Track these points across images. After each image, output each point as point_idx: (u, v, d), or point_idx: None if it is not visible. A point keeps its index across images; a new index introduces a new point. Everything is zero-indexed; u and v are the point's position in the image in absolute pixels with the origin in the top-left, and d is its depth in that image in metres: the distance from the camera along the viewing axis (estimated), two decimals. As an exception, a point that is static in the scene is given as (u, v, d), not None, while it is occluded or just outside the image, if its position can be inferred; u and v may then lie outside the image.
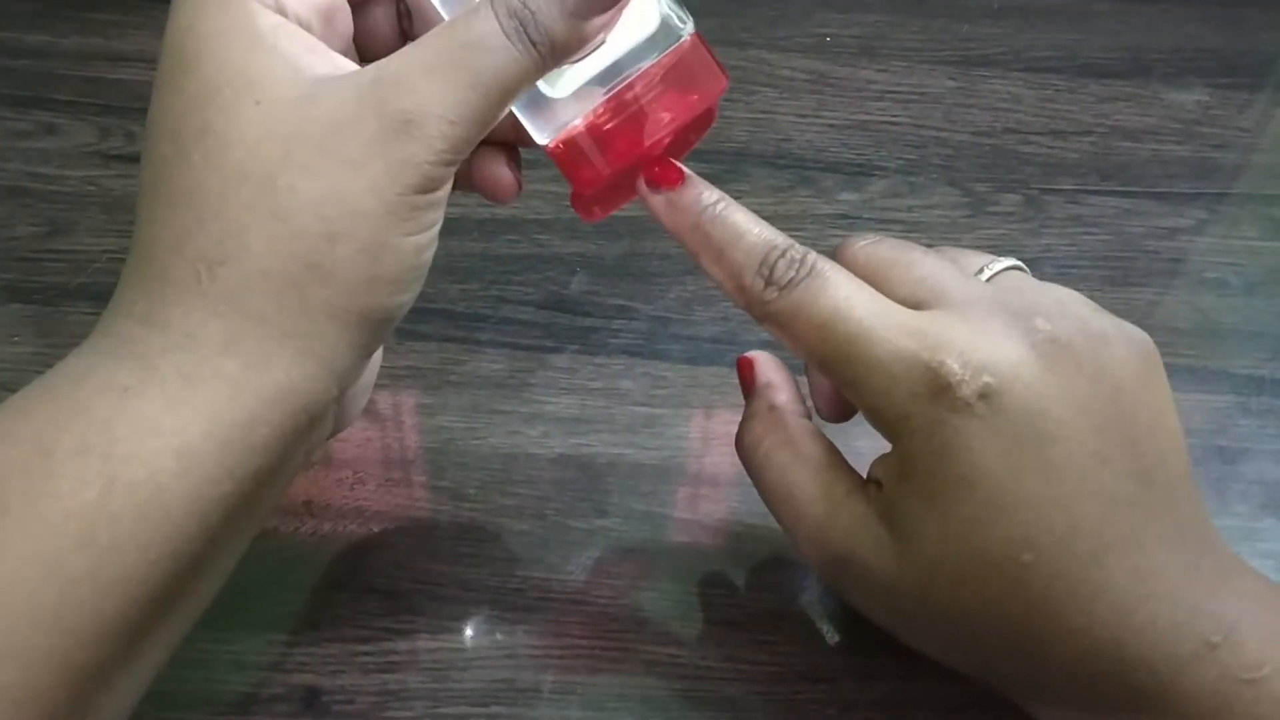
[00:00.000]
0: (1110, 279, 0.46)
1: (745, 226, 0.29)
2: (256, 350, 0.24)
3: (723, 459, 0.38)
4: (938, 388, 0.26)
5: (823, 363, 0.28)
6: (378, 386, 0.34)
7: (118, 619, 0.23)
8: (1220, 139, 0.52)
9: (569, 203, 0.31)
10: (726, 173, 0.49)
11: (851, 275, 0.28)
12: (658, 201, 0.29)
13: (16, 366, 0.39)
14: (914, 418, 0.26)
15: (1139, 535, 0.26)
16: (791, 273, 0.28)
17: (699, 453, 0.39)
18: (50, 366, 0.25)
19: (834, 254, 0.30)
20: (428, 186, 0.25)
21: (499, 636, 0.34)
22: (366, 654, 0.33)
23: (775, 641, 0.34)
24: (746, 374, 0.33)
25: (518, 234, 0.45)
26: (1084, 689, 0.27)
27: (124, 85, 0.50)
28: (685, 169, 0.29)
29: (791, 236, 0.29)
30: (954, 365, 0.26)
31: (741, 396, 0.33)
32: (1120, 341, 0.27)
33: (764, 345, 0.34)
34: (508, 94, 0.26)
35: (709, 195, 0.29)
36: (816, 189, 0.48)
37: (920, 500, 0.27)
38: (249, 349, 0.24)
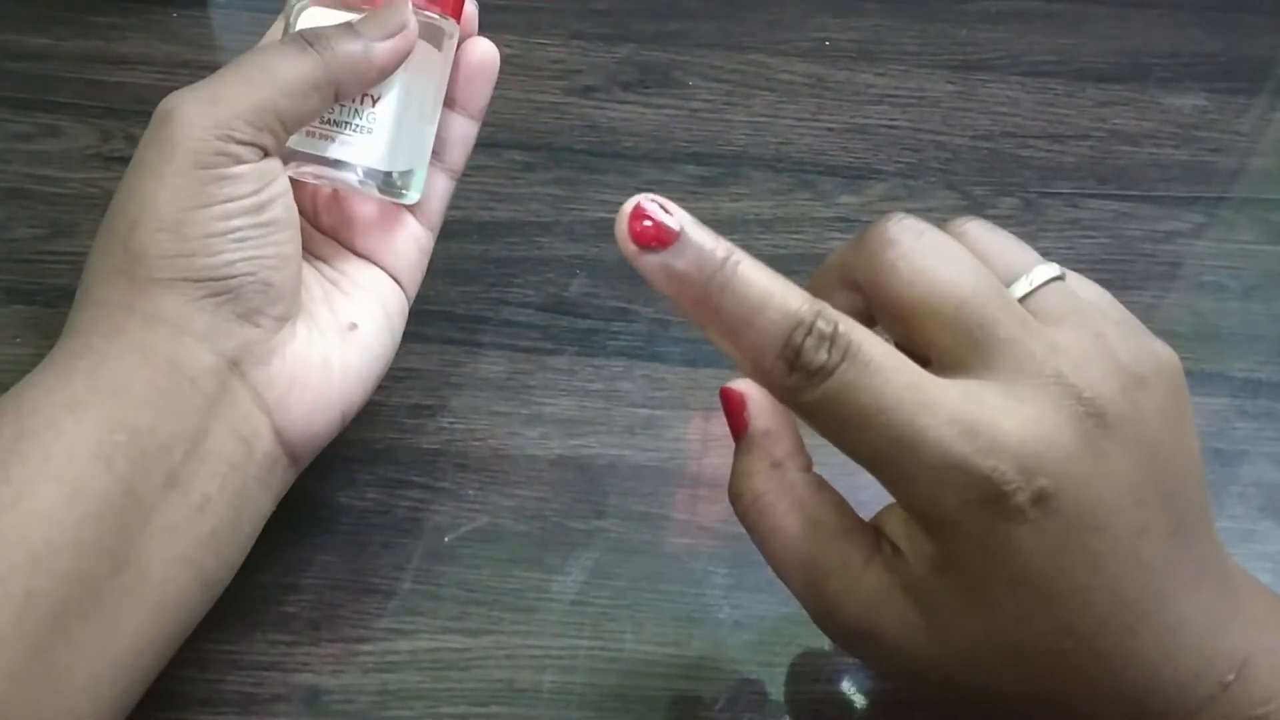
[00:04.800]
0: (1108, 282, 0.45)
1: (761, 299, 0.24)
2: (108, 324, 0.30)
3: (721, 461, 0.38)
4: (992, 496, 0.24)
5: (858, 458, 0.25)
6: (377, 388, 0.34)
7: (43, 549, 0.26)
8: (1218, 143, 0.52)
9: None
10: (725, 176, 0.49)
11: (888, 348, 0.24)
12: (652, 267, 0.23)
13: (17, 368, 0.38)
14: (963, 524, 0.24)
15: (1169, 591, 0.25)
16: (823, 356, 0.23)
17: (697, 455, 0.39)
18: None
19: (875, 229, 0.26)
20: (204, 162, 0.29)
21: (498, 637, 0.34)
22: (367, 654, 0.33)
23: (773, 643, 0.34)
24: (737, 413, 0.28)
25: (517, 236, 0.45)
26: None
27: (125, 88, 0.50)
28: (680, 218, 0.24)
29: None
30: (1009, 472, 0.24)
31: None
32: (1154, 378, 0.26)
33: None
34: (270, 71, 0.30)
35: (711, 256, 0.23)
36: (815, 192, 0.48)
37: (961, 595, 0.25)
38: (104, 325, 0.30)
